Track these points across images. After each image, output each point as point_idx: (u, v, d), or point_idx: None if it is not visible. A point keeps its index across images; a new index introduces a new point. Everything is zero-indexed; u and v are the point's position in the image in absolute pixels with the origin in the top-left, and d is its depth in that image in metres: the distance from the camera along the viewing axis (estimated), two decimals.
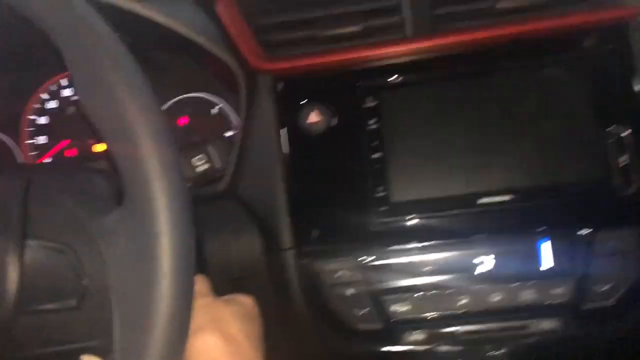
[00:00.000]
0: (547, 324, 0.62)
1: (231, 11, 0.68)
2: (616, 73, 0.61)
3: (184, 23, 0.66)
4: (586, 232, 0.61)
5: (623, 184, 0.60)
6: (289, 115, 0.67)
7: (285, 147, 0.67)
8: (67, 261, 0.41)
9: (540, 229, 0.62)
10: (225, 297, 0.52)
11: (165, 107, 0.80)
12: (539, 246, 0.62)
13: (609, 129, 0.60)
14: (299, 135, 0.66)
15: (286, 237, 0.65)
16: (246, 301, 0.52)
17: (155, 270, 0.38)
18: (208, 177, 0.67)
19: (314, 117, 0.65)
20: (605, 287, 0.61)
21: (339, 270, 0.64)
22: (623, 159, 0.60)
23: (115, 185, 0.58)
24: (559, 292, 0.62)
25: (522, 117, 0.62)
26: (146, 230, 0.39)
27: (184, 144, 0.69)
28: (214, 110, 0.80)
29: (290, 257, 0.65)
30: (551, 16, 0.63)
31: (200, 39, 0.67)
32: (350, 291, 0.64)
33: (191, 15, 0.69)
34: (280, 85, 0.67)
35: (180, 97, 0.80)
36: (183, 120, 0.81)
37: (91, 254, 0.41)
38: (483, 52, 0.64)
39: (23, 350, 0.42)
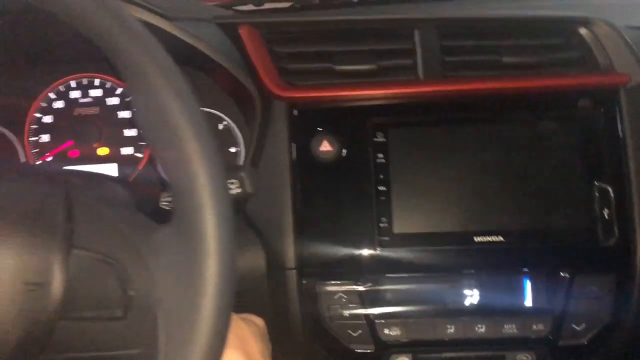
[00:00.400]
0: (525, 357, 0.67)
1: (253, 37, 0.72)
2: (606, 133, 0.67)
3: (208, 44, 0.69)
4: (567, 275, 0.67)
5: (605, 235, 0.66)
6: (301, 142, 0.70)
7: (295, 171, 0.70)
8: (113, 273, 0.44)
9: (525, 269, 0.68)
10: (242, 315, 0.55)
11: None
12: (523, 284, 0.68)
13: (596, 183, 0.66)
14: (309, 162, 0.69)
15: (290, 257, 0.68)
16: (260, 322, 0.55)
17: (201, 289, 0.41)
18: (239, 202, 0.69)
19: (325, 146, 0.69)
20: (581, 326, 0.66)
21: (337, 292, 0.68)
22: (606, 212, 0.66)
23: (144, 200, 0.61)
24: (539, 328, 0.67)
25: (517, 165, 0.67)
26: (194, 250, 0.42)
27: None
28: (220, 126, 0.83)
29: (292, 276, 0.68)
30: (550, 75, 0.69)
31: (223, 61, 0.69)
32: (346, 313, 0.68)
33: (215, 37, 0.72)
34: (294, 112, 0.71)
35: None
36: None
37: (138, 268, 0.44)
38: (487, 101, 0.69)
39: (64, 353, 0.44)
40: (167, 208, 0.58)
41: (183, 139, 0.43)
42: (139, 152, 0.83)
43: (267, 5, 1.33)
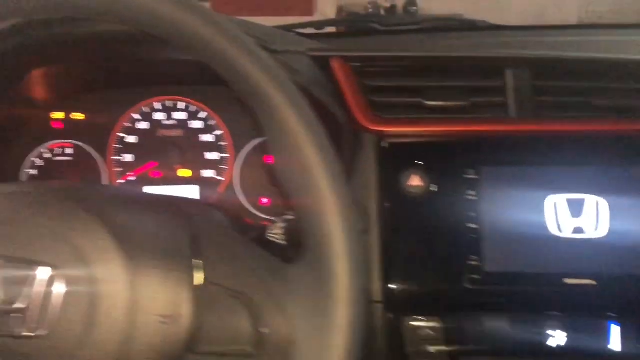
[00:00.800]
0: None
1: (345, 69, 0.73)
2: None
3: (303, 75, 0.70)
4: None
5: None
6: (389, 175, 0.70)
7: (383, 204, 0.70)
8: (245, 310, 0.45)
9: (614, 314, 0.67)
10: None
11: (255, 143, 0.84)
12: (612, 329, 0.67)
13: None
14: (398, 195, 0.70)
15: (376, 290, 0.68)
16: None
17: (332, 335, 0.42)
18: None
19: (414, 181, 0.70)
20: None
21: (423, 328, 0.68)
22: None
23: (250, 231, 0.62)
24: None
25: (611, 208, 0.67)
26: (328, 295, 0.43)
27: None
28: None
29: (378, 309, 0.68)
30: None
31: (316, 92, 0.70)
32: (432, 349, 0.68)
33: (308, 69, 0.73)
34: (384, 145, 0.71)
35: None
36: (269, 159, 0.84)
37: (270, 306, 0.45)
38: (579, 142, 0.69)
39: None
40: (275, 241, 0.59)
41: (318, 183, 0.44)
42: (220, 176, 0.85)
43: (326, 29, 1.35)
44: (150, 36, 0.60)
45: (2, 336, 0.42)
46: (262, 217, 0.83)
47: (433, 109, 0.72)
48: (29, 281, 0.43)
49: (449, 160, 0.70)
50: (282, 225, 0.58)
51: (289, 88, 0.46)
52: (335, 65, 0.73)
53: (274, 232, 0.58)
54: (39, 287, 0.43)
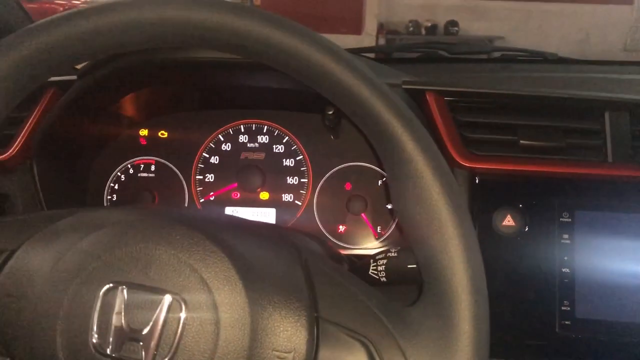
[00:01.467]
0: None
1: (439, 103, 0.72)
2: None
3: None
4: None
5: None
6: (481, 213, 0.70)
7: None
8: (363, 351, 0.44)
9: None
10: None
11: (335, 169, 0.84)
12: None
13: None
14: (490, 234, 0.69)
15: None
16: None
17: None
18: None
19: (508, 221, 0.69)
20: None
21: None
22: None
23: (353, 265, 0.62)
24: None
25: None
26: (450, 334, 0.43)
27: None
28: (380, 182, 0.84)
29: None
30: None
31: None
32: None
33: (404, 102, 0.73)
34: (477, 182, 0.71)
35: (351, 164, 0.84)
36: (347, 185, 0.84)
37: (391, 349, 0.44)
38: None
39: None
40: (376, 277, 0.58)
41: (447, 226, 0.44)
42: (299, 200, 0.85)
43: (395, 55, 1.35)
44: (245, 64, 0.61)
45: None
46: (340, 246, 0.83)
47: (527, 148, 0.71)
48: (155, 308, 0.44)
49: (544, 201, 0.69)
50: (384, 262, 0.58)
51: (419, 130, 0.46)
52: (430, 98, 0.73)
53: (377, 268, 0.58)
54: (166, 315, 0.43)
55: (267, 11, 0.46)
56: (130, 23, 0.46)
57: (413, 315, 0.46)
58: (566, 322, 0.66)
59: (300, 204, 0.85)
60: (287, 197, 0.86)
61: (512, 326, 0.67)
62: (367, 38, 3.80)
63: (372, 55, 1.27)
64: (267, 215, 0.85)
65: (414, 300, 0.47)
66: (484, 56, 1.23)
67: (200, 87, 0.82)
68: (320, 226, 0.85)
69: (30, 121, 0.73)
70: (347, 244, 0.84)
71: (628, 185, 0.69)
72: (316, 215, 0.85)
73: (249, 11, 0.46)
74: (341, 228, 0.84)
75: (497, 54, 1.24)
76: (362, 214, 0.83)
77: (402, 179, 0.46)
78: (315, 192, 0.85)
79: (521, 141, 0.71)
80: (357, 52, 1.23)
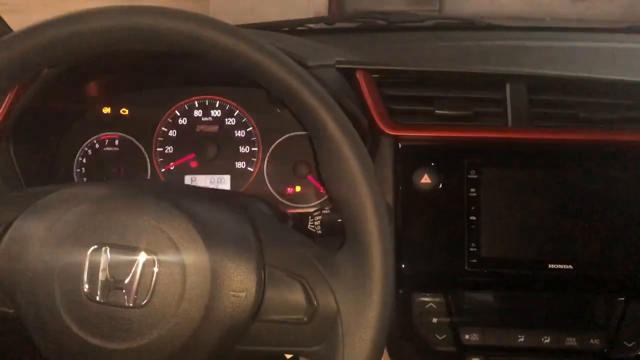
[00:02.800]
0: None
1: (368, 80, 0.84)
2: None
3: (332, 87, 0.81)
4: (623, 299, 0.80)
5: None
6: (403, 174, 0.83)
7: (397, 198, 0.83)
8: (300, 288, 0.57)
9: (589, 292, 0.81)
10: None
11: (281, 139, 0.96)
12: (586, 305, 0.81)
13: None
14: (410, 191, 0.82)
15: None
16: None
17: (369, 305, 0.55)
18: None
19: (425, 179, 0.82)
20: (632, 343, 0.80)
21: (428, 302, 0.81)
22: None
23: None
24: (595, 342, 0.80)
25: (587, 205, 0.80)
26: (365, 270, 0.56)
27: None
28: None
29: None
30: (620, 131, 0.81)
31: (343, 101, 0.82)
32: (434, 320, 0.81)
33: (336, 80, 0.84)
34: (399, 147, 0.83)
35: (296, 133, 0.96)
36: (293, 152, 0.96)
37: (320, 285, 0.57)
38: (566, 149, 0.82)
39: (255, 346, 0.58)
40: (313, 230, 0.71)
41: (359, 185, 0.56)
42: (251, 167, 0.96)
43: (337, 25, 1.45)
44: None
45: (113, 306, 0.55)
46: (288, 205, 0.95)
47: (442, 117, 0.84)
48: (133, 263, 0.55)
49: (455, 161, 0.82)
50: (319, 218, 0.70)
51: (335, 108, 0.57)
52: (360, 76, 0.84)
53: (313, 223, 0.70)
54: (141, 268, 0.55)
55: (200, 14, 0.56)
56: (102, 31, 0.55)
57: (338, 258, 0.59)
58: (473, 261, 0.80)
59: (252, 170, 0.96)
60: (240, 165, 0.97)
61: (430, 266, 0.81)
62: None
63: (318, 25, 1.36)
64: (222, 181, 0.96)
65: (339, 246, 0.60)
66: (419, 24, 1.34)
67: (157, 69, 0.91)
68: (271, 189, 0.96)
69: (2, 107, 0.82)
70: (297, 203, 0.96)
71: (524, 146, 0.82)
72: (267, 180, 0.96)
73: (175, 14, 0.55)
74: (290, 190, 0.96)
75: (431, 22, 1.35)
76: (309, 176, 0.95)
77: (324, 149, 0.58)
78: (265, 159, 0.96)
79: (436, 111, 0.83)
80: (302, 23, 1.33)
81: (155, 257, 0.55)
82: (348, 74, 0.85)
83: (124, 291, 0.55)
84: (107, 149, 0.96)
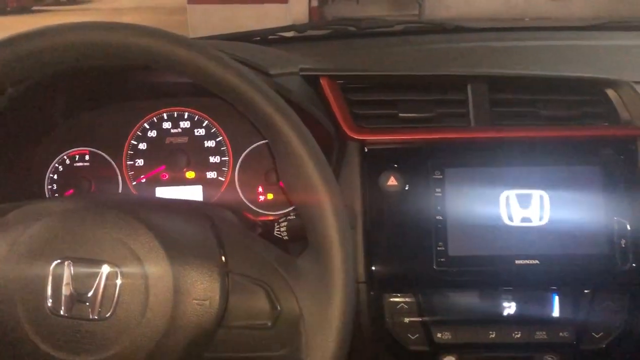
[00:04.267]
0: (552, 358, 0.82)
1: (332, 87, 0.85)
2: (625, 176, 0.82)
3: (297, 94, 0.82)
4: (590, 292, 0.81)
5: (622, 260, 0.80)
6: (370, 176, 0.84)
7: (365, 201, 0.84)
8: (264, 293, 0.58)
9: (555, 286, 0.82)
10: None
11: (251, 147, 0.97)
12: (553, 299, 0.82)
13: (615, 217, 0.81)
14: (378, 193, 0.83)
15: (360, 273, 0.82)
16: None
17: (332, 309, 0.56)
18: None
19: (392, 181, 0.83)
20: (599, 334, 0.81)
21: (400, 302, 0.82)
22: (623, 242, 0.80)
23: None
24: (564, 335, 0.82)
25: (551, 201, 0.82)
26: (327, 274, 0.57)
27: None
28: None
29: (362, 289, 0.82)
30: (580, 127, 0.83)
31: (308, 108, 0.83)
32: (406, 320, 0.82)
33: (301, 87, 0.85)
34: (365, 151, 0.84)
35: (266, 141, 0.97)
36: (264, 160, 0.97)
37: (283, 290, 0.58)
38: (528, 146, 0.83)
39: (221, 352, 0.59)
40: (280, 237, 0.72)
41: (318, 192, 0.57)
42: (222, 177, 0.97)
43: (309, 33, 1.47)
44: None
45: (77, 319, 0.55)
46: (260, 213, 0.96)
47: (406, 120, 0.85)
48: (96, 276, 0.56)
49: (420, 163, 0.83)
50: (285, 224, 0.71)
51: (291, 115, 0.59)
52: (324, 83, 0.85)
53: (279, 229, 0.71)
54: (103, 280, 0.55)
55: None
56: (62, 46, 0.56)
57: (300, 263, 0.60)
58: (441, 260, 0.81)
59: (223, 179, 0.97)
60: (211, 175, 0.97)
61: (399, 267, 0.82)
62: (298, 5, 3.86)
63: (290, 34, 1.38)
64: (194, 192, 0.97)
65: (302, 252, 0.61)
66: (389, 29, 1.35)
67: (122, 83, 0.92)
68: (243, 198, 0.97)
69: None
70: (270, 211, 0.97)
71: (487, 144, 0.84)
72: (238, 189, 0.97)
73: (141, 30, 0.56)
74: (261, 198, 0.97)
75: (401, 27, 1.37)
76: (280, 183, 0.96)
77: (281, 155, 0.59)
78: (235, 168, 0.97)
79: (400, 114, 0.85)
80: (273, 32, 1.34)
81: (117, 269, 0.56)
82: (313, 81, 0.86)
83: (87, 304, 0.55)
84: (78, 164, 0.97)
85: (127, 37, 0.55)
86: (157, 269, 0.56)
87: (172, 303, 0.56)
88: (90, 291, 0.55)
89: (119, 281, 0.56)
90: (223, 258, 0.59)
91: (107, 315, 0.55)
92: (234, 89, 0.57)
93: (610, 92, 0.84)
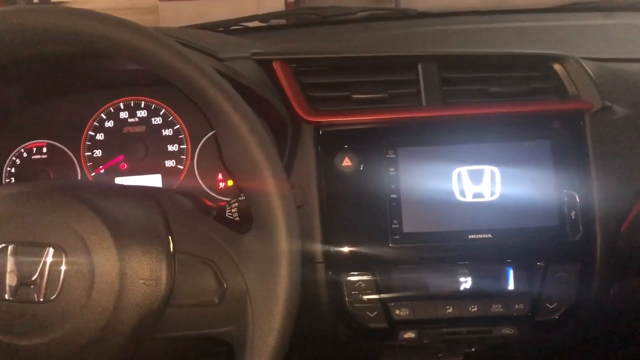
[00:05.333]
0: (509, 330, 0.84)
1: (285, 70, 0.86)
2: (574, 149, 0.83)
3: (249, 78, 0.83)
4: (542, 264, 0.83)
5: (572, 232, 0.82)
6: (325, 158, 0.85)
7: (321, 182, 0.84)
8: (210, 271, 0.59)
9: (509, 260, 0.84)
10: None
11: (209, 134, 0.97)
12: (508, 272, 0.84)
13: (565, 190, 0.82)
14: (333, 174, 0.84)
15: (318, 253, 0.83)
16: None
17: (277, 284, 0.57)
18: None
19: (346, 162, 0.84)
20: (553, 305, 0.83)
21: (357, 281, 0.83)
22: (573, 214, 0.82)
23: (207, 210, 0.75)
24: (520, 307, 0.83)
25: (502, 175, 0.83)
26: (272, 255, 0.57)
27: None
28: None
29: (320, 269, 0.83)
30: (529, 102, 0.85)
31: (261, 91, 0.83)
32: (365, 298, 0.83)
33: (253, 71, 0.86)
34: (320, 134, 0.85)
35: None
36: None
37: (230, 267, 0.59)
38: (478, 123, 0.85)
39: (171, 332, 0.59)
40: (231, 218, 0.72)
41: (261, 170, 0.58)
42: (181, 165, 0.97)
43: (272, 22, 1.47)
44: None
45: (22, 302, 0.55)
46: (220, 199, 0.96)
47: (359, 101, 0.86)
48: (40, 259, 0.56)
49: (373, 143, 0.84)
50: (236, 205, 0.72)
51: (233, 95, 0.59)
52: (277, 66, 0.86)
53: (230, 211, 0.72)
54: (48, 263, 0.56)
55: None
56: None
57: (246, 240, 0.60)
58: (396, 237, 0.82)
59: (182, 168, 0.97)
60: (170, 163, 0.97)
61: (356, 246, 0.83)
62: None
63: (254, 24, 1.38)
64: (154, 181, 0.97)
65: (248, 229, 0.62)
66: (352, 16, 1.36)
67: (77, 74, 0.92)
68: (203, 185, 0.97)
69: None
70: (229, 196, 0.97)
71: (439, 123, 0.85)
72: (198, 176, 0.97)
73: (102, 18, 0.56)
74: (221, 185, 0.97)
75: (365, 14, 1.37)
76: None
77: (225, 136, 0.60)
78: (194, 156, 0.97)
79: (353, 95, 0.86)
80: (236, 22, 1.34)
81: (62, 252, 0.56)
82: (265, 65, 0.87)
83: (32, 287, 0.55)
84: (36, 156, 0.96)
85: (60, 19, 0.55)
86: (102, 251, 0.57)
87: (118, 284, 0.56)
88: (35, 274, 0.55)
89: (64, 263, 0.56)
90: (170, 238, 0.60)
91: (52, 298, 0.55)
92: (171, 66, 0.57)
93: (557, 67, 0.86)
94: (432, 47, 0.91)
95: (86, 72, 0.92)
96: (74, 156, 0.96)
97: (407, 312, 0.84)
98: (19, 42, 0.56)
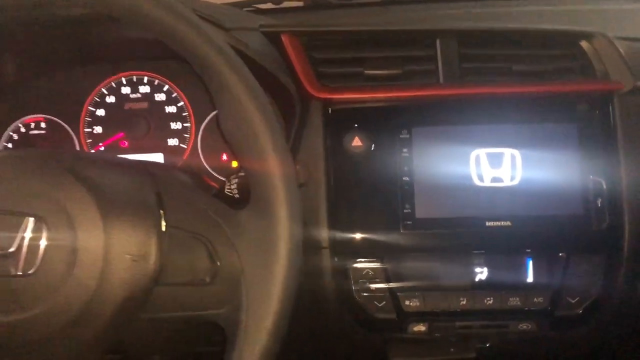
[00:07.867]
0: (527, 326, 0.78)
1: (294, 44, 0.81)
2: (601, 133, 0.78)
3: (256, 51, 0.78)
4: (564, 255, 0.77)
5: (598, 221, 0.76)
6: (334, 137, 0.80)
7: (329, 163, 0.80)
8: (203, 248, 0.54)
9: (528, 250, 0.78)
10: None
11: (214, 112, 0.92)
12: (527, 263, 0.78)
13: (591, 176, 0.77)
14: (342, 155, 0.79)
15: (324, 238, 0.78)
16: None
17: (275, 263, 0.52)
18: None
19: (356, 142, 0.79)
20: (575, 300, 0.77)
21: (365, 269, 0.78)
22: (599, 202, 0.76)
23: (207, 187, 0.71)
24: (539, 301, 0.78)
25: (524, 160, 0.78)
26: (270, 231, 0.53)
27: None
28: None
29: (326, 254, 0.78)
30: (554, 82, 0.79)
31: (268, 65, 0.79)
32: (373, 287, 0.78)
33: (261, 44, 0.81)
34: (329, 112, 0.80)
35: None
36: None
37: (223, 244, 0.54)
38: (499, 103, 0.79)
39: (160, 312, 0.55)
40: (231, 195, 0.68)
41: (263, 146, 0.53)
42: (184, 144, 0.93)
43: (285, 4, 1.42)
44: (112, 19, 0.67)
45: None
46: (222, 180, 0.92)
47: (372, 77, 0.81)
48: (19, 229, 0.51)
49: (386, 122, 0.79)
50: (235, 181, 0.67)
51: (237, 62, 0.54)
52: (285, 39, 0.81)
53: (230, 187, 0.67)
54: (27, 234, 0.51)
55: None
56: None
57: (243, 216, 0.56)
58: (408, 222, 0.77)
59: (185, 147, 0.93)
60: (172, 142, 0.93)
61: (364, 231, 0.78)
62: None
63: (267, 5, 1.33)
64: (156, 160, 0.93)
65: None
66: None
67: (77, 43, 0.87)
68: (206, 165, 0.93)
69: None
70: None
71: (456, 102, 0.80)
72: (201, 156, 0.93)
73: None
74: (225, 164, 0.93)
75: None
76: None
77: (224, 104, 0.55)
78: (198, 135, 0.93)
79: (366, 71, 0.80)
80: (249, 3, 1.29)
81: (43, 222, 0.52)
82: (274, 39, 0.82)
83: (10, 259, 0.51)
84: (34, 132, 0.92)
85: None
86: (86, 222, 0.52)
87: (103, 258, 0.52)
88: (13, 246, 0.51)
89: (45, 234, 0.51)
90: (161, 212, 0.55)
91: (31, 272, 0.51)
92: (169, 27, 0.53)
93: (585, 45, 0.80)
94: (450, 23, 0.86)
95: (87, 42, 0.88)
96: (73, 132, 0.93)
97: (418, 303, 0.79)
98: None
